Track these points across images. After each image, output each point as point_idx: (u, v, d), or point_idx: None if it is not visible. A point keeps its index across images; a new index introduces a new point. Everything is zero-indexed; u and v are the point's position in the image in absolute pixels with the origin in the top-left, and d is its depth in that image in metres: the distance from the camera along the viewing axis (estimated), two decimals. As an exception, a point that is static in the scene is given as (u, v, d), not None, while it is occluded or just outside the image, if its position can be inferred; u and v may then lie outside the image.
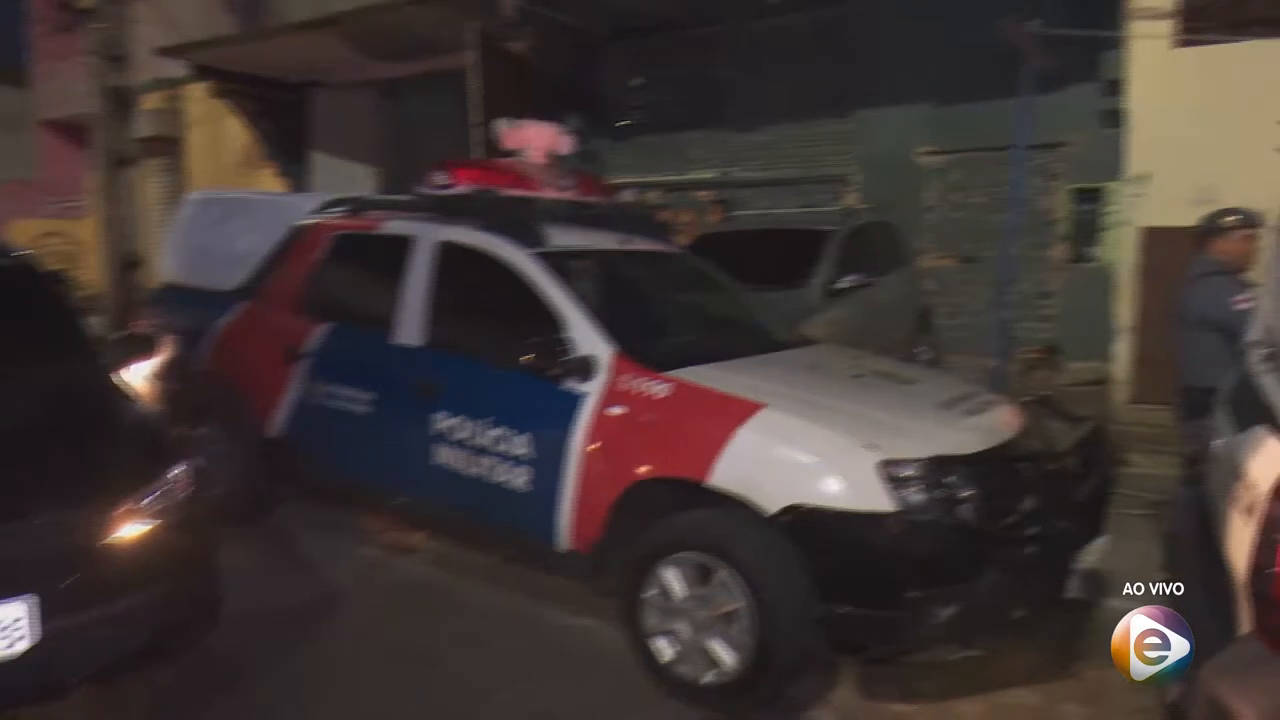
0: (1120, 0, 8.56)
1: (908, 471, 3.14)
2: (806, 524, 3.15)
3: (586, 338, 3.76)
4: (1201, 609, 2.57)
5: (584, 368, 3.69)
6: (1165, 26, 8.55)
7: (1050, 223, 9.36)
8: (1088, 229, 9.22)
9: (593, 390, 3.69)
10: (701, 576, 3.35)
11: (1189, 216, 8.92)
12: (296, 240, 4.89)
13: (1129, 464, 7.37)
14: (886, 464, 3.13)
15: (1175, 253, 9.28)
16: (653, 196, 11.18)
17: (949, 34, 9.14)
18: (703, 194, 11.19)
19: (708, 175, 11.37)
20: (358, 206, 4.98)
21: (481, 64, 9.25)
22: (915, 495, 3.12)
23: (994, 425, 3.56)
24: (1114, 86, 8.87)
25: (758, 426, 3.31)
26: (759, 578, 3.17)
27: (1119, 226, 9.02)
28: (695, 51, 11.16)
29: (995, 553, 3.17)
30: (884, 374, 3.99)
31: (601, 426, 3.63)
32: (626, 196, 5.06)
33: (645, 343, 3.86)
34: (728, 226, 8.57)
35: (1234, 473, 2.40)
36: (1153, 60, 8.63)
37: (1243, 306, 3.99)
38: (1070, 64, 8.72)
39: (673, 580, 3.40)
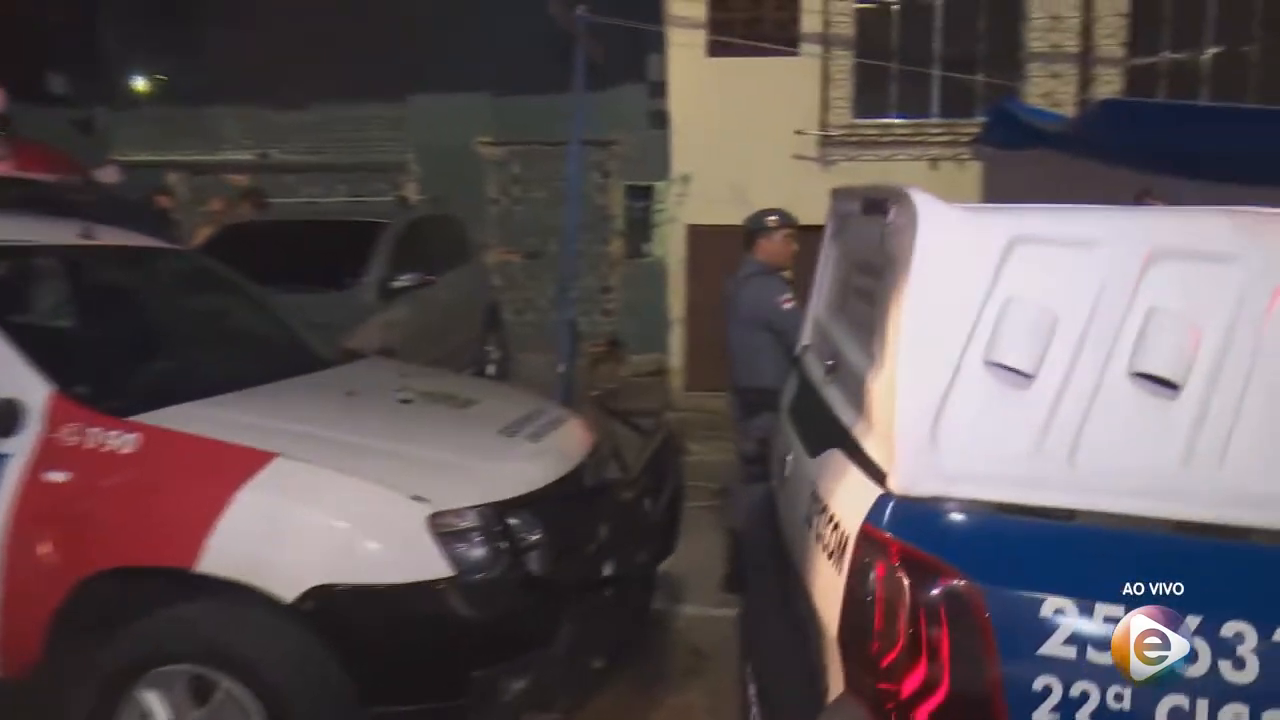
0: (661, 4, 8.91)
1: (465, 523, 2.55)
2: (339, 609, 2.41)
3: (3, 373, 2.61)
4: (783, 642, 2.32)
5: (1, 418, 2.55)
6: (699, 35, 9.09)
7: (608, 219, 9.52)
8: (642, 225, 9.53)
9: (19, 449, 2.57)
10: (199, 695, 2.44)
11: (726, 215, 9.77)
12: None
13: (689, 452, 7.71)
14: (438, 518, 2.50)
15: (716, 249, 10.12)
16: (174, 180, 9.42)
17: (506, 23, 8.85)
18: (236, 179, 9.68)
19: (242, 157, 9.87)
20: None
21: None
22: (475, 551, 2.54)
23: (563, 450, 3.11)
24: (658, 89, 9.26)
25: (267, 484, 2.48)
26: (276, 689, 2.37)
27: (667, 224, 9.48)
28: (227, 12, 9.59)
29: (570, 605, 2.70)
30: (437, 395, 3.35)
31: (34, 500, 2.53)
32: (105, 175, 3.81)
33: (104, 377, 2.80)
34: (263, 217, 7.35)
35: (813, 501, 2.14)
36: (689, 66, 9.14)
37: (787, 306, 4.04)
38: (620, 64, 8.90)
39: (157, 706, 2.45)
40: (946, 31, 9.03)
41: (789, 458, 2.59)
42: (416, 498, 2.51)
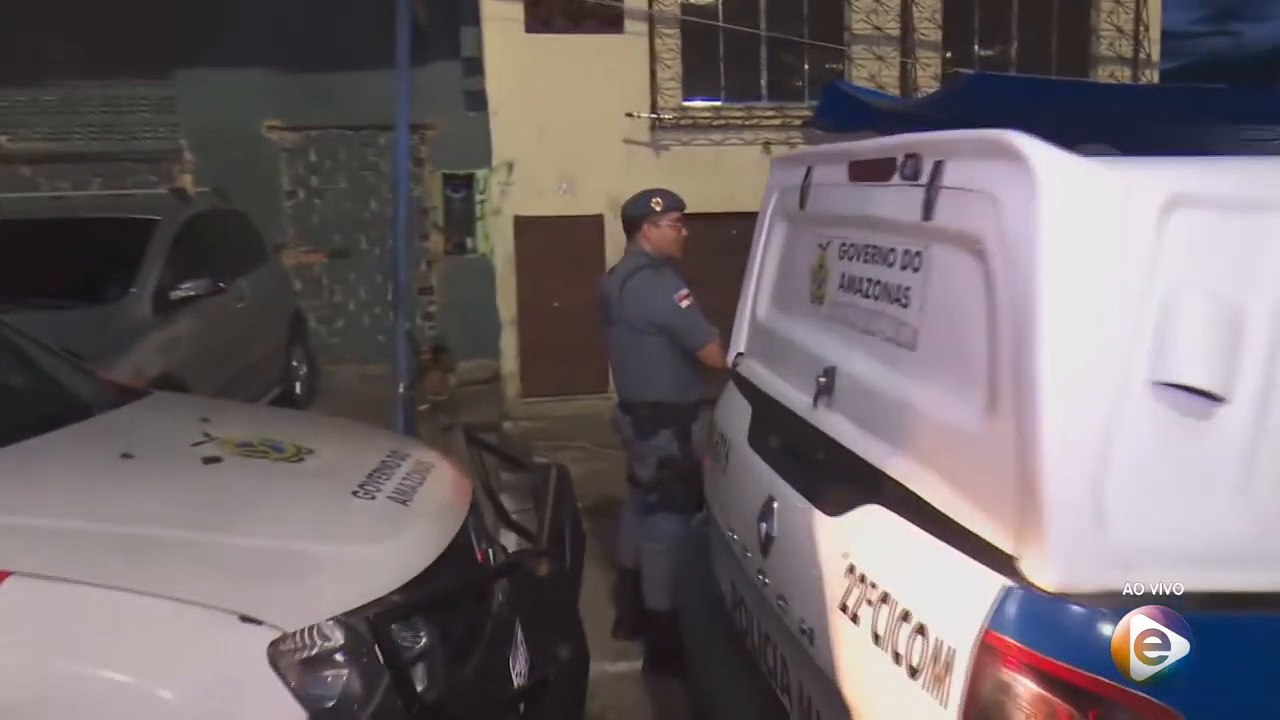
0: (474, -28, 8.06)
1: (324, 643, 1.73)
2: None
3: None
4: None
5: None
6: (517, 9, 8.31)
7: (425, 211, 8.55)
8: (463, 218, 8.64)
9: None
10: None
11: (555, 205, 9.10)
12: None
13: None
14: (283, 644, 1.68)
15: (546, 242, 9.41)
16: None
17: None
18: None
19: (-40, 145, 8.09)
20: None
21: None
22: (341, 683, 1.74)
23: (440, 511, 2.34)
24: (474, 66, 8.39)
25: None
26: None
27: (492, 216, 8.64)
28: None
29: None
30: (255, 446, 2.46)
31: None
32: None
33: None
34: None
35: (852, 580, 1.51)
36: (507, 43, 8.34)
37: (686, 304, 3.42)
38: (432, 39, 7.98)
39: None
40: (771, 12, 8.76)
41: (769, 506, 1.95)
42: (247, 618, 1.67)
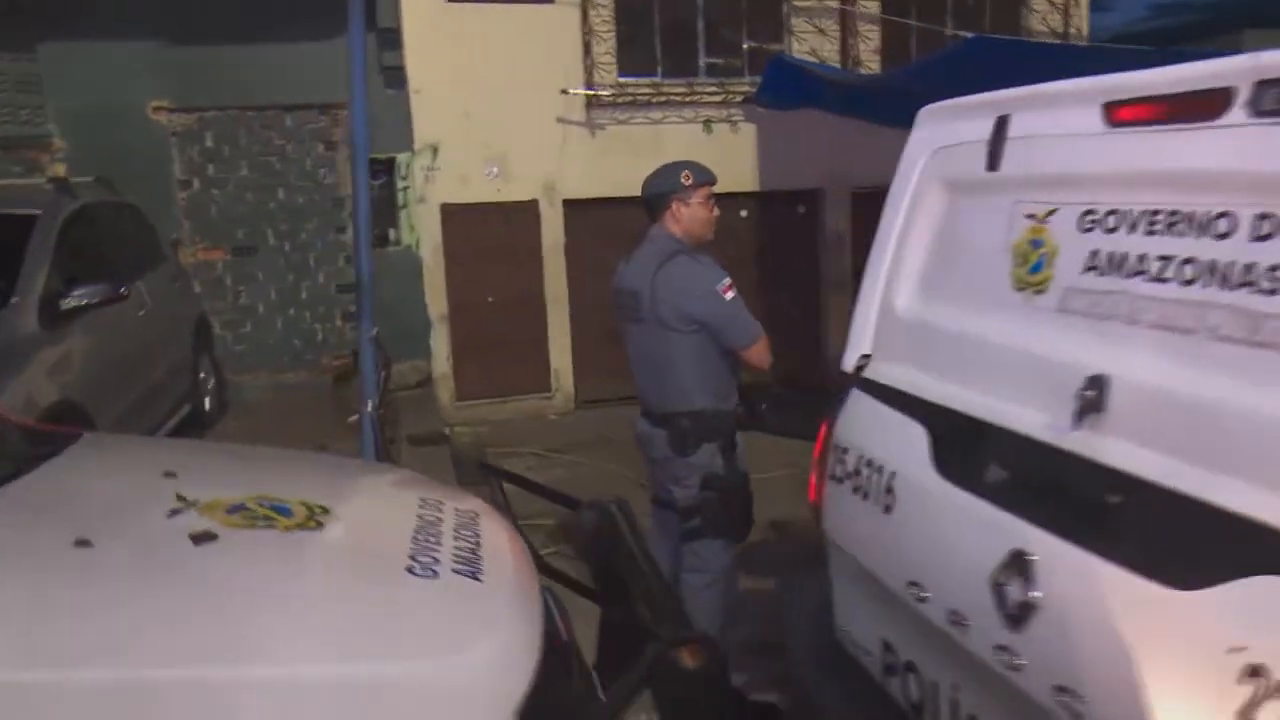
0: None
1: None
2: None
3: None
4: None
5: None
6: (435, -25, 7.57)
7: (339, 201, 7.73)
8: (383, 207, 7.84)
9: None
10: None
11: (486, 192, 8.40)
12: None
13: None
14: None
15: (477, 232, 8.69)
16: None
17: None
18: None
19: None
20: None
21: None
22: None
23: (516, 582, 1.78)
24: (391, 39, 7.61)
25: None
26: None
27: (416, 204, 7.89)
28: None
29: None
30: (251, 508, 1.81)
31: None
32: None
33: None
34: None
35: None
36: (428, 13, 7.58)
37: (730, 295, 2.91)
38: (343, 7, 7.17)
39: None
40: (707, -17, 8.29)
41: (1019, 564, 1.46)
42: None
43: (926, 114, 1.90)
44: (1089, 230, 1.47)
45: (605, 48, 7.97)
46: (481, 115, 7.73)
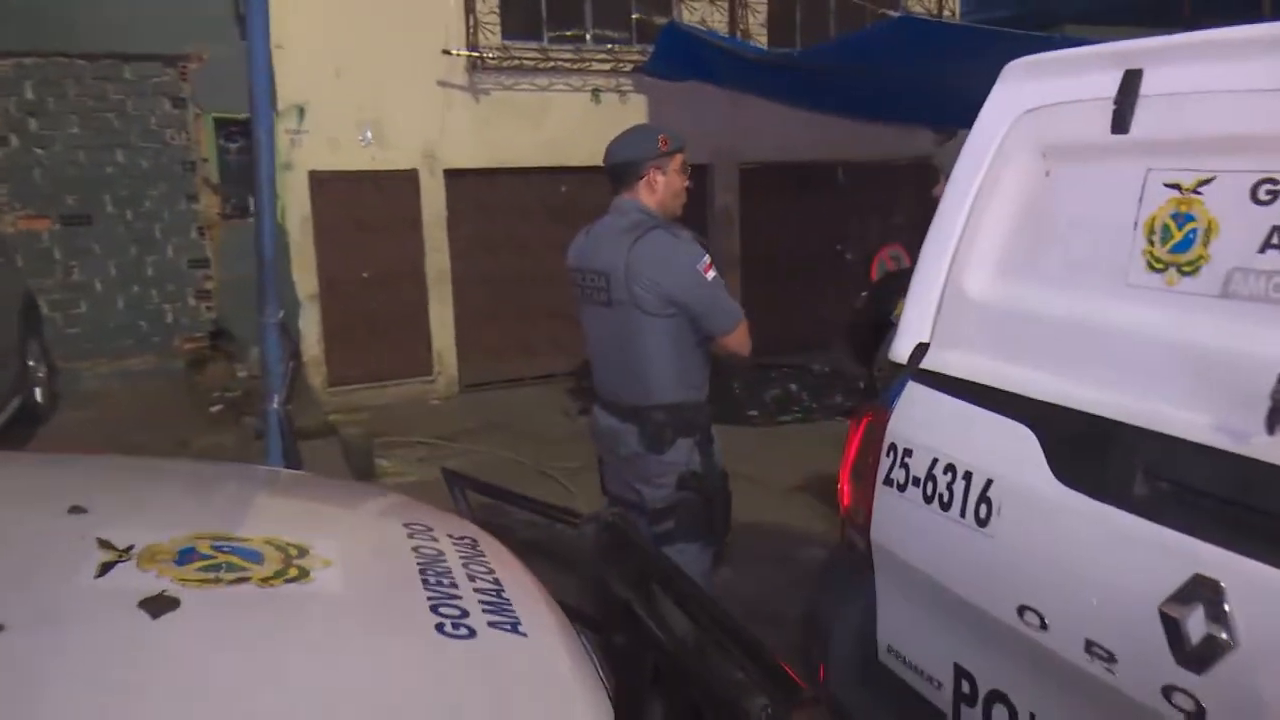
0: None
1: None
2: None
3: None
4: None
5: None
6: (299, -84, 6.80)
7: (191, 165, 6.90)
8: (243, 173, 7.05)
9: None
10: None
11: (360, 159, 7.69)
12: None
13: (382, 472, 5.81)
14: None
15: (350, 202, 7.95)
16: None
17: None
18: None
19: None
20: None
21: None
22: None
23: (559, 629, 1.45)
24: (249, -16, 6.80)
25: None
26: None
27: (281, 170, 7.11)
28: None
29: None
30: (206, 553, 1.38)
31: None
32: None
33: None
34: None
35: None
36: (292, -43, 6.83)
37: (712, 275, 2.61)
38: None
39: None
40: (593, -55, 7.90)
41: (1202, 593, 1.24)
42: None
43: (1015, 69, 1.66)
44: (1269, 202, 1.27)
45: (489, 6, 7.45)
46: (355, 75, 7.06)
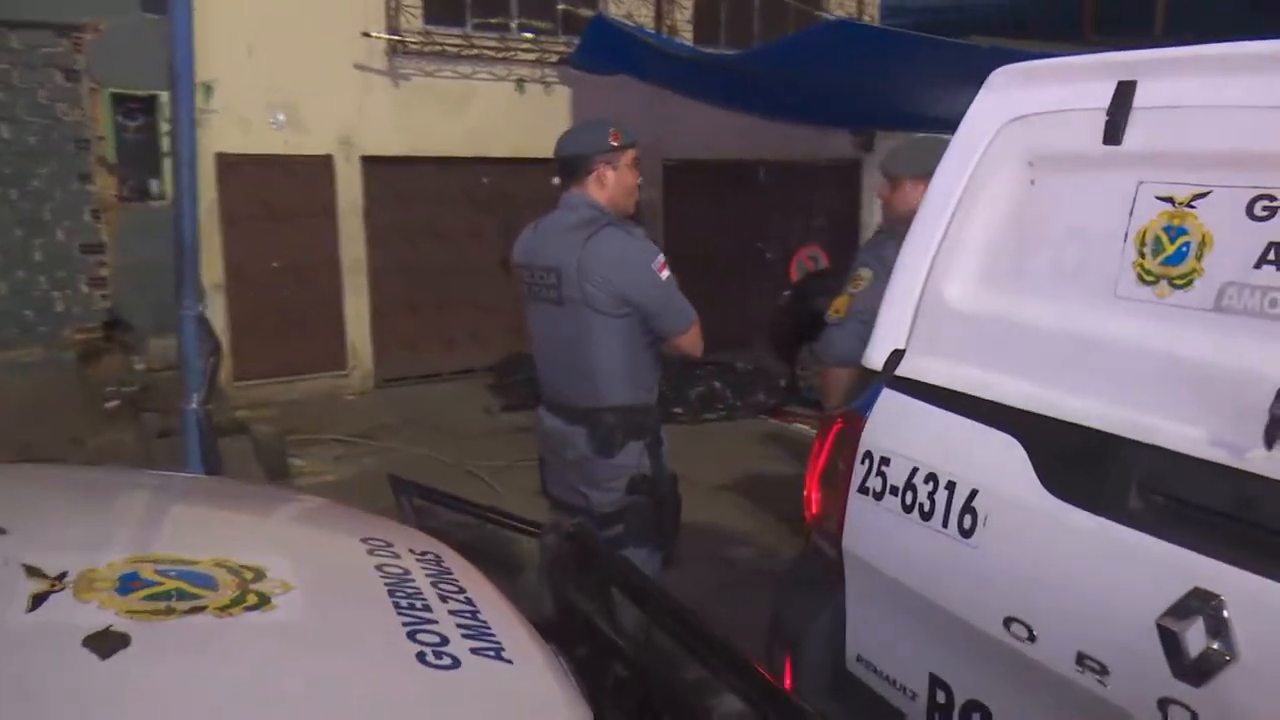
0: None
1: None
2: None
3: None
4: None
5: None
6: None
7: (85, 143, 6.45)
8: (142, 153, 6.66)
9: None
10: None
11: (271, 142, 7.32)
12: None
13: (297, 471, 5.54)
14: None
15: (261, 187, 7.54)
16: None
17: None
18: None
19: None
20: None
21: None
22: None
23: (543, 653, 1.37)
24: (152, -50, 6.40)
25: None
26: None
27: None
28: None
29: None
30: (150, 581, 1.24)
31: None
32: None
33: None
34: None
35: None
36: (199, -75, 6.45)
37: (667, 274, 2.55)
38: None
39: None
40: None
41: (1201, 605, 1.24)
42: None
43: (1002, 76, 1.65)
44: (1265, 218, 1.28)
45: (411, -12, 7.21)
46: (267, 53, 6.73)
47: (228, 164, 6.81)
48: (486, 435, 6.41)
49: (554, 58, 7.80)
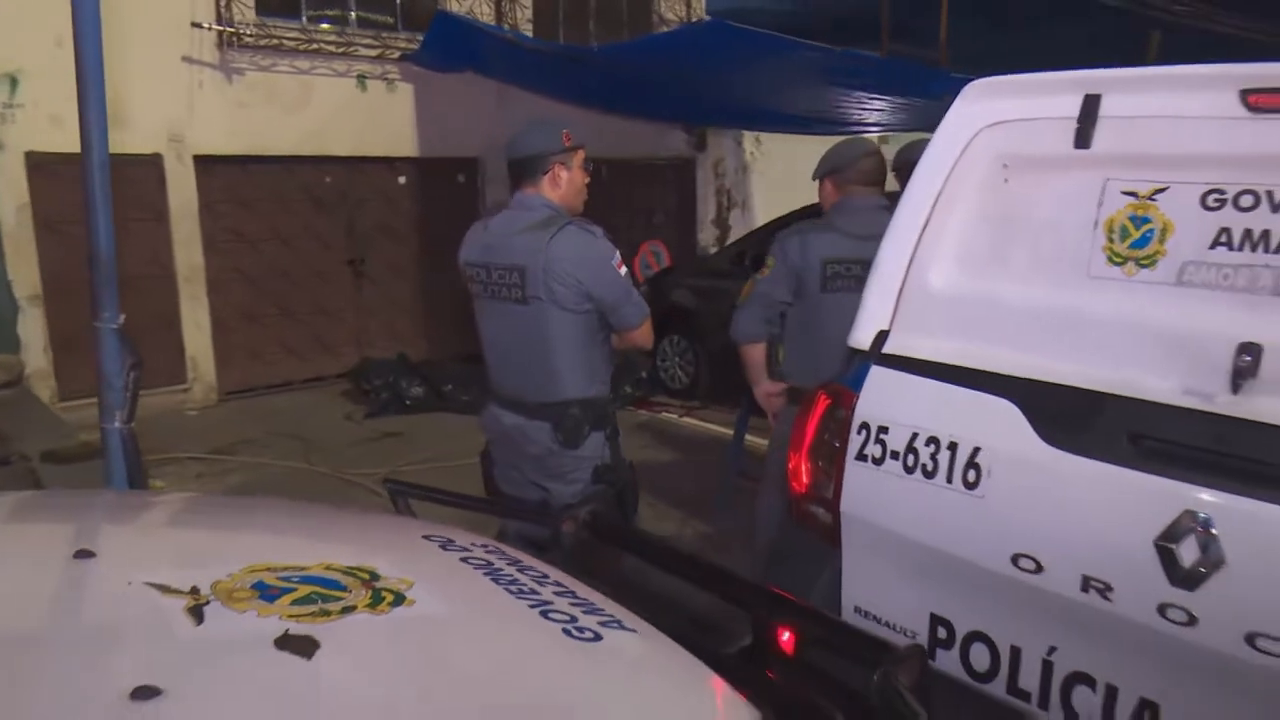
0: None
1: None
2: None
3: None
4: None
5: None
6: None
7: None
8: (-62, 153, 5.94)
9: None
10: None
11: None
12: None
13: (160, 492, 5.13)
14: None
15: (78, 190, 6.78)
16: None
17: None
18: None
19: None
20: None
21: None
22: None
23: (646, 626, 1.47)
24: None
25: None
26: None
27: (-11, 151, 6.05)
28: None
29: None
30: (292, 589, 1.23)
31: None
32: None
33: None
34: None
35: None
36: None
37: (624, 270, 2.66)
38: None
39: None
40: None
41: (1191, 525, 1.52)
42: None
43: (978, 88, 1.89)
44: (1214, 208, 1.58)
45: (243, -22, 6.83)
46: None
47: (39, 164, 6.21)
48: (356, 444, 6.21)
49: (396, 54, 7.63)
